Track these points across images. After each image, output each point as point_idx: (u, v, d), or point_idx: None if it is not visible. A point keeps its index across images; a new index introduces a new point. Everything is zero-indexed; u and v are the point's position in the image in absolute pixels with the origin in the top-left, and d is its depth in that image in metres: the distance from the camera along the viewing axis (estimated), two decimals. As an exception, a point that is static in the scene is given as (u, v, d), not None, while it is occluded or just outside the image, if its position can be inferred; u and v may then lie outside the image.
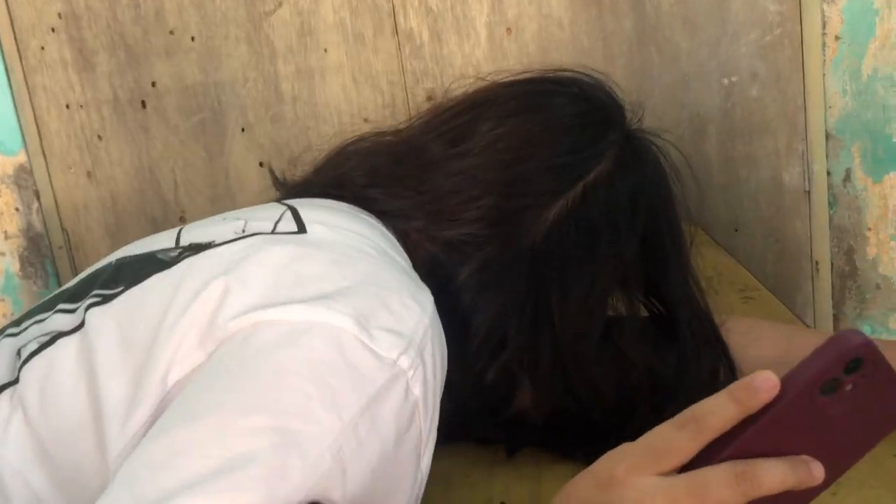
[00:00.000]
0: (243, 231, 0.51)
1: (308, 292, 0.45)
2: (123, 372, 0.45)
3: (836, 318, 1.23)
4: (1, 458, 0.46)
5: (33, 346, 0.49)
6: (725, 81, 1.18)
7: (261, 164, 1.19)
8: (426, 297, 0.49)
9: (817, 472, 0.37)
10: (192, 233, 0.53)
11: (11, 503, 0.46)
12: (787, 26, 1.15)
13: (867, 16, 1.14)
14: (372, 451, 0.43)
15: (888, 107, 1.16)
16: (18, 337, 0.51)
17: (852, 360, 0.38)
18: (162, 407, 0.44)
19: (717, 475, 0.36)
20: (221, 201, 1.20)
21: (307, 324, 0.43)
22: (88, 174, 1.19)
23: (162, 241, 0.53)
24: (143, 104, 1.17)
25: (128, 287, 0.49)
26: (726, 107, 1.19)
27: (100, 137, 1.18)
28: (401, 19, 1.17)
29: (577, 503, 0.38)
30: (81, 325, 0.48)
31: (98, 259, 1.22)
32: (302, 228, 0.52)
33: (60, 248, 1.21)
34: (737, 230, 1.21)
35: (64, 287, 0.55)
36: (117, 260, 0.53)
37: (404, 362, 0.44)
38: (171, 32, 1.16)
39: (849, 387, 0.38)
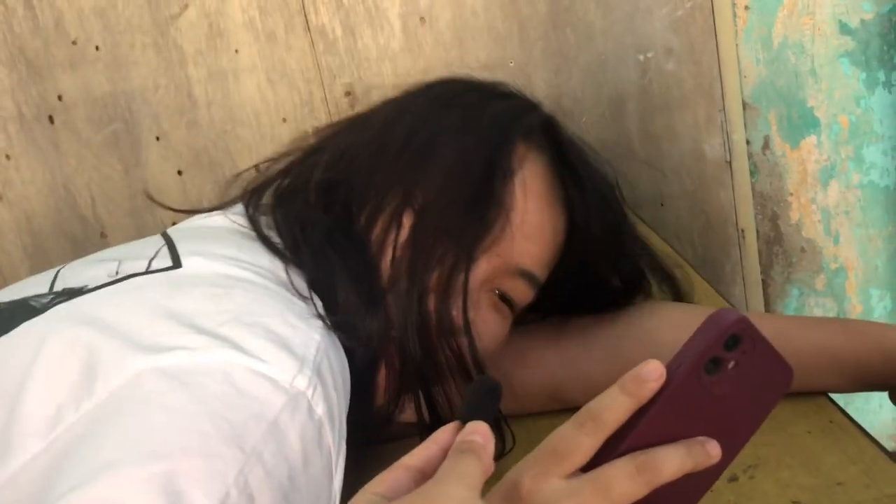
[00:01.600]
0: (116, 273, 0.50)
1: (187, 332, 0.44)
2: None
3: (765, 284, 1.26)
4: None
5: None
6: (641, 58, 1.19)
7: (179, 173, 1.16)
8: (312, 316, 0.49)
9: (714, 451, 0.39)
10: (68, 275, 0.51)
11: None
12: (697, -1, 1.16)
13: (775, -16, 1.15)
14: (281, 476, 0.42)
15: (800, 73, 1.18)
16: None
17: (730, 336, 0.39)
18: (34, 463, 0.42)
19: (619, 470, 0.37)
20: (141, 214, 1.16)
21: (192, 365, 0.42)
22: (-1, 196, 1.15)
23: (37, 284, 0.51)
24: (51, 119, 1.13)
25: None
26: (644, 83, 1.20)
27: (7, 157, 1.14)
28: (312, 15, 1.14)
29: None
30: None
31: (15, 281, 1.18)
32: (177, 262, 0.51)
33: (-24, 273, 1.16)
34: (662, 205, 1.23)
35: None
36: None
37: (301, 383, 0.44)
38: (74, 43, 1.12)
39: (731, 364, 0.40)
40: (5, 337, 0.47)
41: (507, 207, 0.58)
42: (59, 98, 1.13)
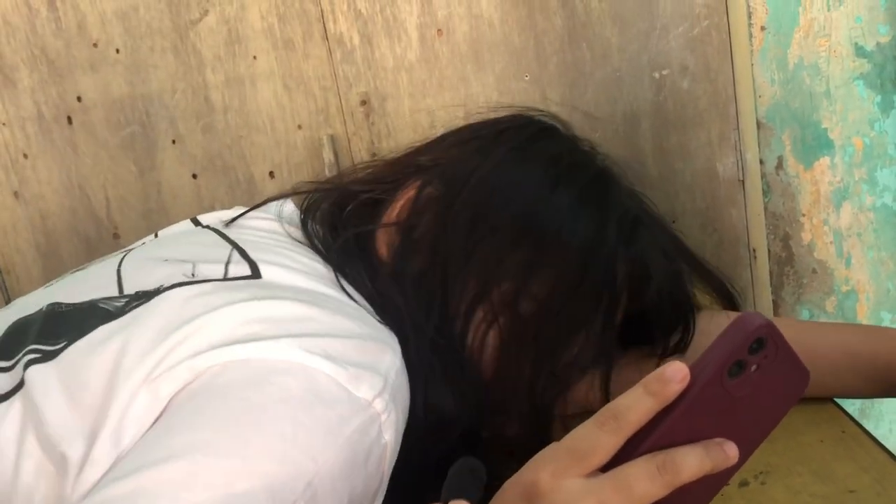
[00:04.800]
0: (193, 275, 0.49)
1: (279, 332, 0.43)
2: (75, 433, 0.43)
3: (775, 305, 1.25)
4: None
5: None
6: (657, 75, 1.19)
7: (194, 176, 1.17)
8: (393, 339, 0.48)
9: (732, 452, 0.38)
10: (135, 275, 0.50)
11: None
12: (713, 18, 1.17)
13: (790, 6, 1.16)
14: (343, 492, 0.42)
15: (814, 94, 1.18)
16: None
17: (755, 340, 0.39)
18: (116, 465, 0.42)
19: (639, 469, 0.37)
20: (154, 216, 1.17)
21: (281, 363, 0.42)
22: (15, 194, 1.16)
23: (101, 284, 0.50)
24: (70, 120, 1.14)
25: (71, 341, 0.46)
26: (658, 100, 1.20)
27: (25, 156, 1.15)
28: (330, 24, 1.15)
29: None
30: (21, 384, 0.45)
31: (28, 280, 1.19)
32: (256, 272, 0.50)
33: (-11, 271, 1.17)
34: (674, 221, 1.22)
35: None
36: (49, 307, 0.50)
37: (379, 405, 0.43)
38: (95, 45, 1.13)
39: (753, 367, 0.40)
40: (82, 341, 0.46)
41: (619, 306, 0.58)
42: (79, 99, 1.14)
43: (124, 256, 0.54)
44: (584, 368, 0.55)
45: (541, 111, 0.64)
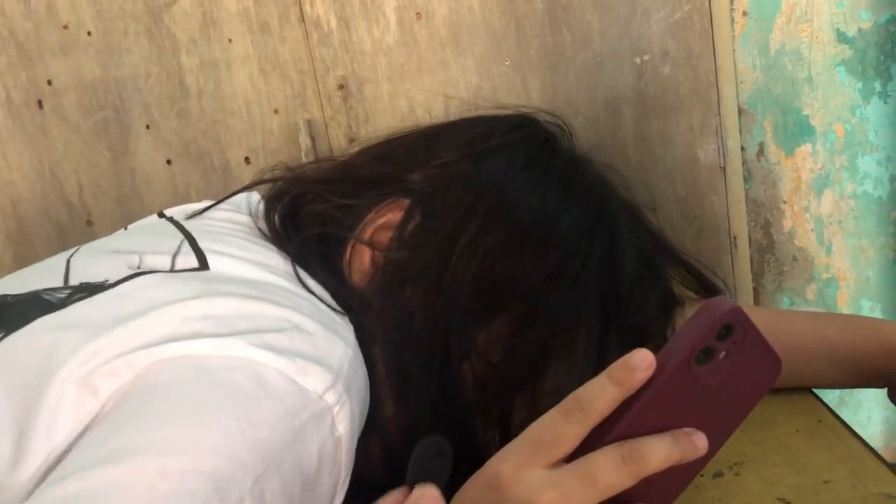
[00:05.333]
0: (139, 267, 0.48)
1: (222, 329, 0.42)
2: (5, 427, 0.41)
3: (756, 292, 1.25)
4: None
5: None
6: (638, 60, 1.18)
7: (168, 162, 1.15)
8: (347, 330, 0.47)
9: (701, 443, 0.37)
10: (82, 267, 0.49)
11: None
12: (695, 3, 1.16)
13: (773, -10, 1.15)
14: (294, 489, 0.40)
15: (796, 80, 1.17)
16: None
17: (723, 326, 0.38)
18: (50, 461, 0.40)
19: (604, 459, 0.36)
20: (129, 202, 1.15)
21: (227, 358, 0.40)
22: (-15, 180, 1.13)
23: (47, 276, 0.49)
24: (40, 104, 1.12)
25: (9, 332, 0.45)
26: (640, 86, 1.19)
27: (-5, 141, 1.13)
28: (307, 7, 1.13)
29: None
30: None
31: (2, 267, 1.16)
32: (204, 264, 0.49)
33: (-43, 257, 1.15)
34: (654, 209, 1.21)
35: None
36: None
37: (331, 398, 0.42)
38: (66, 27, 1.11)
39: (722, 354, 0.39)
40: (20, 332, 0.45)
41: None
42: (49, 83, 1.12)
43: (79, 248, 0.53)
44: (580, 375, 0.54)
45: (521, 108, 0.61)
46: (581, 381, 0.42)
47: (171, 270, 0.47)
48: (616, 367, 0.36)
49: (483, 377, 0.52)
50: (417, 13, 1.15)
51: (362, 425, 0.46)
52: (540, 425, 0.37)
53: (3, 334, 0.45)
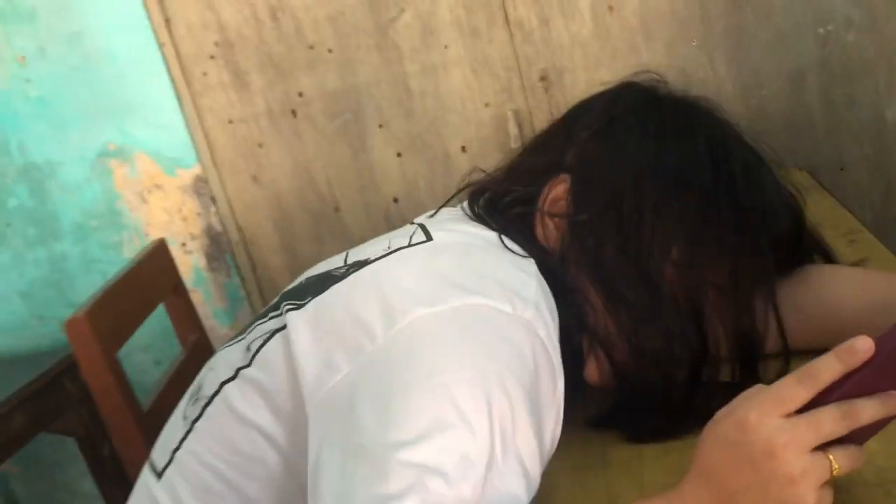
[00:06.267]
0: (388, 248, 0.67)
1: (446, 286, 0.59)
2: (314, 356, 0.61)
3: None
4: (255, 419, 0.63)
5: (259, 342, 0.66)
6: (821, 31, 1.25)
7: (398, 155, 1.35)
8: (530, 265, 0.63)
9: None
10: (354, 255, 0.69)
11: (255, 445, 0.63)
12: (878, -29, 1.21)
13: (959, -48, 1.18)
14: (524, 379, 0.56)
15: None
16: (245, 338, 0.68)
17: None
18: (348, 379, 0.58)
19: (828, 414, 0.50)
20: (367, 191, 1.36)
21: (453, 309, 0.57)
22: (254, 178, 1.38)
23: (335, 263, 0.69)
24: (294, 113, 1.35)
25: (314, 297, 0.65)
26: (823, 55, 1.26)
27: (260, 146, 1.36)
28: (511, 10, 1.29)
29: (719, 440, 0.51)
30: (284, 326, 0.64)
31: (268, 249, 1.41)
32: (429, 238, 0.67)
33: (237, 243, 1.41)
34: (843, 169, 1.29)
35: (270, 303, 0.71)
36: (305, 279, 0.70)
37: (527, 314, 0.59)
38: (311, 47, 1.32)
39: None
40: (320, 297, 0.65)
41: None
42: (300, 95, 1.34)
43: (356, 246, 0.73)
44: (755, 285, 0.66)
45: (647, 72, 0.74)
46: (742, 274, 0.58)
47: (409, 245, 0.66)
48: (842, 349, 0.49)
49: (677, 281, 0.66)
50: (610, 6, 1.27)
51: (557, 332, 0.62)
52: (780, 385, 0.51)
53: (309, 298, 0.65)
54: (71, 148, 1.40)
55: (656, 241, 0.65)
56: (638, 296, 0.65)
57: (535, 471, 0.57)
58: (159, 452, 0.69)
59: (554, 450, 0.61)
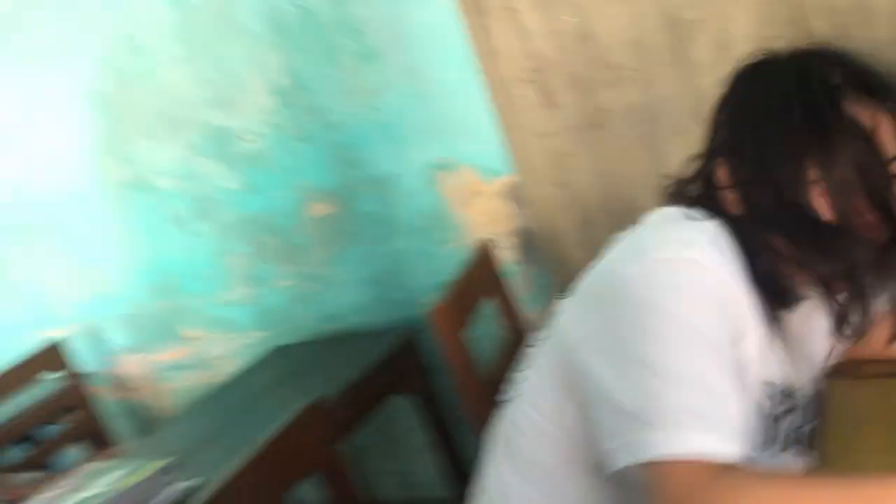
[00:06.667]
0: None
1: (649, 246, 0.84)
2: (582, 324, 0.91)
3: None
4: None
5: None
6: None
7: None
8: (705, 225, 0.85)
9: None
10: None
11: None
12: None
13: None
14: (716, 296, 0.80)
15: None
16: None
17: None
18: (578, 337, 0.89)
19: None
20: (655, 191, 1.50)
21: (653, 265, 0.81)
22: (561, 184, 1.57)
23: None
24: (597, 126, 1.52)
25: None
26: None
27: (566, 155, 1.55)
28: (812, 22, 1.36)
29: None
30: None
31: (571, 245, 1.59)
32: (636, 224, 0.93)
33: (545, 240, 1.61)
34: None
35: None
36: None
37: (698, 255, 0.81)
38: (611, 67, 1.48)
39: None
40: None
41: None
42: (603, 109, 1.51)
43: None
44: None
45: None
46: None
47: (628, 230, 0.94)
48: None
49: (823, 198, 0.83)
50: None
51: (725, 263, 0.82)
52: None
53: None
54: (408, 162, 1.69)
55: (798, 173, 0.83)
56: (803, 227, 0.84)
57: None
58: None
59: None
